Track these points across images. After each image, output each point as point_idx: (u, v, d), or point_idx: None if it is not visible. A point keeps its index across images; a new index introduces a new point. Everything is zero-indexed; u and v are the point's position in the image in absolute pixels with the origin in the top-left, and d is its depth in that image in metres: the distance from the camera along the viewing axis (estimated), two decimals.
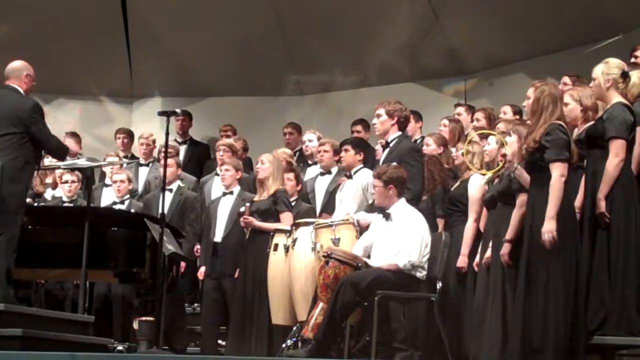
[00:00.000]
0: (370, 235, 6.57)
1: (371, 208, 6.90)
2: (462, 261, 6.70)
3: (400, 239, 6.32)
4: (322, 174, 8.27)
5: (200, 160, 10.25)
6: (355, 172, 7.49)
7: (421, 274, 6.33)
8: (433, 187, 7.12)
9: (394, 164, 6.58)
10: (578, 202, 5.77)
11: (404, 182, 6.48)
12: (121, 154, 9.93)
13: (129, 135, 10.21)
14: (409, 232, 6.32)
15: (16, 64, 6.57)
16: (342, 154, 7.64)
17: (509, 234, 5.81)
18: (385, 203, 6.47)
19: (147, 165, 9.60)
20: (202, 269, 8.10)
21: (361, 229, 6.74)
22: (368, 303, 6.16)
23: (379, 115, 6.98)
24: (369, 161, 7.65)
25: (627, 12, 8.92)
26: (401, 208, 6.45)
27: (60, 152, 6.75)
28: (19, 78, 6.50)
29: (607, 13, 9.13)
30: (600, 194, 5.66)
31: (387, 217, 6.46)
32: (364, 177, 7.35)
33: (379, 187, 6.46)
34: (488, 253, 6.22)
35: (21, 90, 6.48)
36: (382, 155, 7.05)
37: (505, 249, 5.82)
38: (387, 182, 6.43)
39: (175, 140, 10.23)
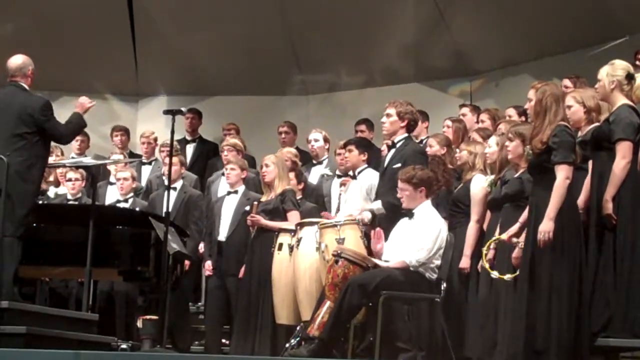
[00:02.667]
0: (394, 233, 6.53)
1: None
2: (464, 262, 6.70)
3: (414, 237, 6.30)
4: (338, 176, 8.20)
5: (208, 159, 10.25)
6: (359, 173, 7.47)
7: (432, 275, 6.30)
8: (437, 188, 7.11)
9: (419, 166, 6.53)
10: (581, 202, 5.77)
11: (432, 181, 6.45)
12: (118, 151, 9.93)
13: (126, 132, 10.22)
14: (424, 232, 6.29)
15: (19, 61, 6.49)
16: (346, 154, 7.62)
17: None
18: (412, 205, 6.41)
19: (150, 163, 9.62)
20: (208, 264, 8.09)
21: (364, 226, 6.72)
22: (373, 304, 6.15)
23: (389, 115, 6.87)
24: (373, 161, 7.64)
25: (633, 13, 8.90)
26: (425, 209, 6.41)
27: (73, 136, 6.80)
28: (25, 75, 6.46)
29: (613, 15, 9.12)
30: (607, 196, 5.65)
31: (410, 216, 6.43)
32: (369, 177, 7.34)
33: (409, 190, 6.38)
34: (491, 254, 6.22)
35: (27, 87, 6.45)
36: (387, 155, 6.99)
37: (519, 252, 5.78)
38: (417, 185, 6.38)
39: (185, 138, 10.25)
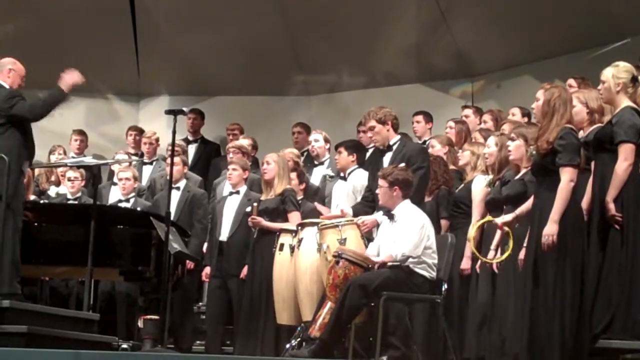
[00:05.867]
0: (379, 236, 6.55)
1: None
2: (465, 263, 6.69)
3: (398, 237, 6.30)
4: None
5: (210, 159, 10.26)
6: (349, 174, 7.51)
7: (432, 274, 6.29)
8: (436, 188, 7.11)
9: (402, 165, 6.53)
10: (585, 203, 5.76)
11: (409, 184, 6.41)
12: (132, 151, 9.96)
13: (140, 133, 10.24)
14: (407, 228, 6.27)
15: (1, 61, 6.62)
16: (336, 156, 7.67)
17: None
18: (389, 204, 6.41)
19: (151, 163, 9.64)
20: (207, 270, 8.09)
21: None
22: (374, 304, 6.15)
23: (372, 128, 6.84)
24: (365, 162, 7.66)
25: (636, 15, 8.90)
26: (405, 208, 6.40)
27: (45, 111, 6.59)
28: (1, 72, 6.55)
29: (616, 16, 9.12)
30: (609, 197, 5.65)
31: (391, 217, 6.43)
32: (357, 178, 7.36)
33: (384, 187, 6.40)
34: (491, 255, 6.22)
35: (5, 85, 6.52)
36: (382, 158, 6.88)
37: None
38: (392, 183, 6.37)
39: (186, 138, 10.26)
